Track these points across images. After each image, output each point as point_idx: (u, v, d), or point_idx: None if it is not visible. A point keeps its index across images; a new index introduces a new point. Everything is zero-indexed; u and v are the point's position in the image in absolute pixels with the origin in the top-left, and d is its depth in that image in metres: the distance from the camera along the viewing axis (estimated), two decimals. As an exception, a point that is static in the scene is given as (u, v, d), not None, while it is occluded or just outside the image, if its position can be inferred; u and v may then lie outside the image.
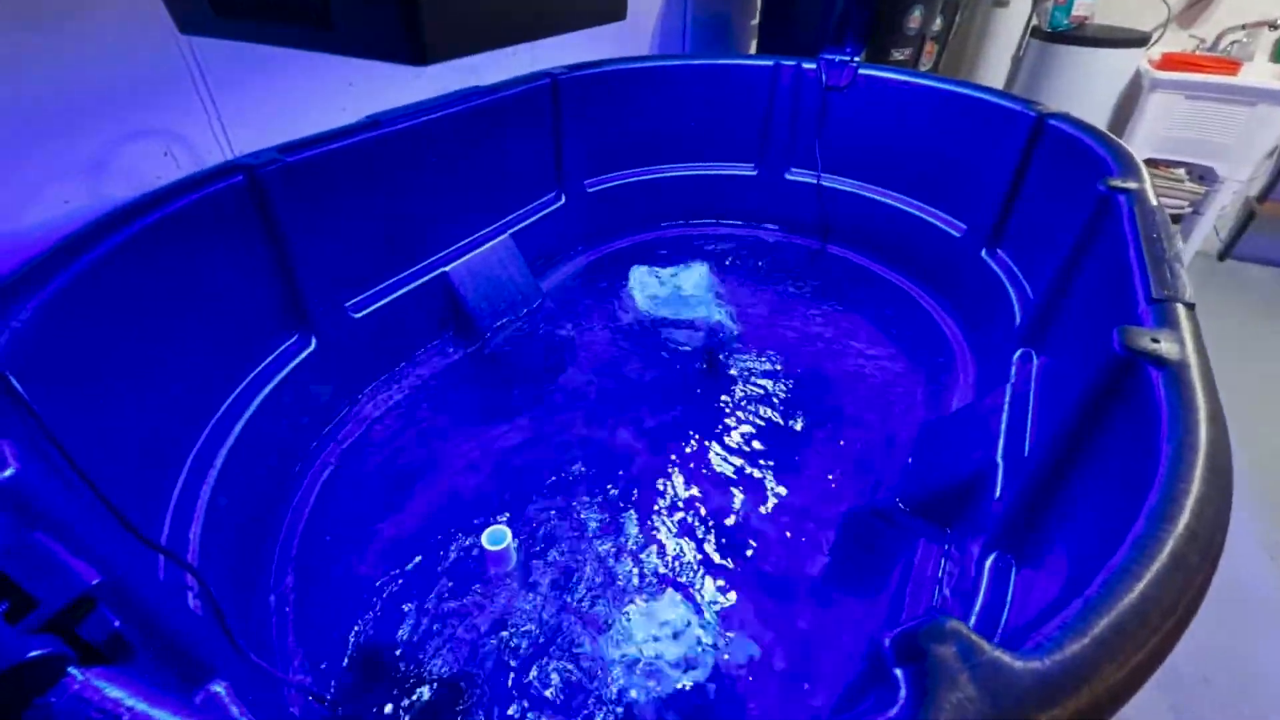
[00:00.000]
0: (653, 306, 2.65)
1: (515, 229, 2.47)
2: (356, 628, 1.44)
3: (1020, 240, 2.18)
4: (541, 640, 1.42)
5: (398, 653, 1.39)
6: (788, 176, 2.96)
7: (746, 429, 1.98)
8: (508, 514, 1.68)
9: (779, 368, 2.25)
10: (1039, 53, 3.64)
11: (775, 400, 2.09)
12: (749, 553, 1.61)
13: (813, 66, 2.71)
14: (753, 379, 2.19)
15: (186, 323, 1.46)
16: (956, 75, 3.91)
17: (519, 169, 2.45)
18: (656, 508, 1.72)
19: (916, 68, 3.31)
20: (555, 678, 1.36)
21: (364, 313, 1.96)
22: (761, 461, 1.86)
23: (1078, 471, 1.13)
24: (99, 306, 1.24)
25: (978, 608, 1.22)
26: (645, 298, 2.69)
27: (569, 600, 1.49)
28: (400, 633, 1.43)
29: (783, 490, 1.77)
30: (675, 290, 2.72)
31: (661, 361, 2.30)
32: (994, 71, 3.95)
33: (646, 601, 1.50)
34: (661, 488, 1.78)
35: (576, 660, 1.39)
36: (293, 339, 1.78)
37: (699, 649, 1.41)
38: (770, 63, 2.76)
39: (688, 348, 2.38)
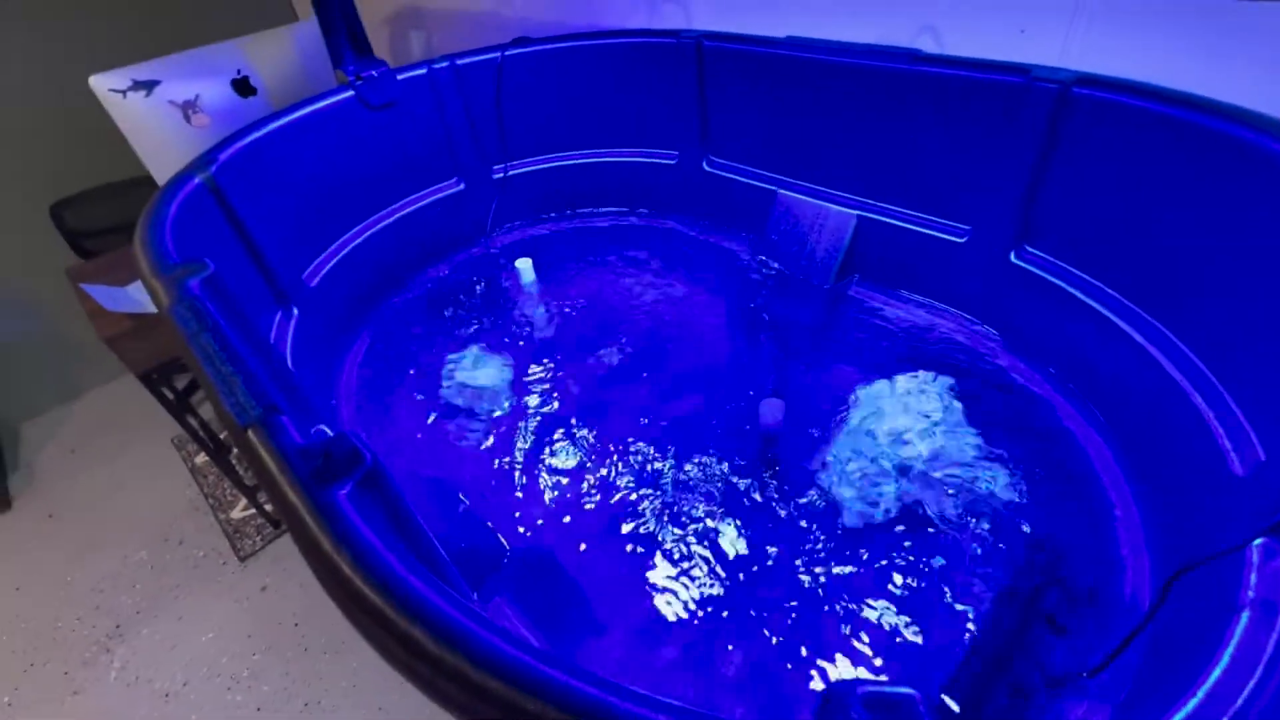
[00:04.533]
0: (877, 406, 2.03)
1: (870, 216, 2.21)
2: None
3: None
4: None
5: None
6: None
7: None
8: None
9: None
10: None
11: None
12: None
13: None
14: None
15: (608, 100, 2.65)
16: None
17: (924, 164, 2.05)
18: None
19: None
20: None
21: (711, 170, 2.62)
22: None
23: None
24: (558, 71, 2.58)
25: None
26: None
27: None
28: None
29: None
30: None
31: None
32: None
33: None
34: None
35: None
36: (671, 154, 2.73)
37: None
38: None
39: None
